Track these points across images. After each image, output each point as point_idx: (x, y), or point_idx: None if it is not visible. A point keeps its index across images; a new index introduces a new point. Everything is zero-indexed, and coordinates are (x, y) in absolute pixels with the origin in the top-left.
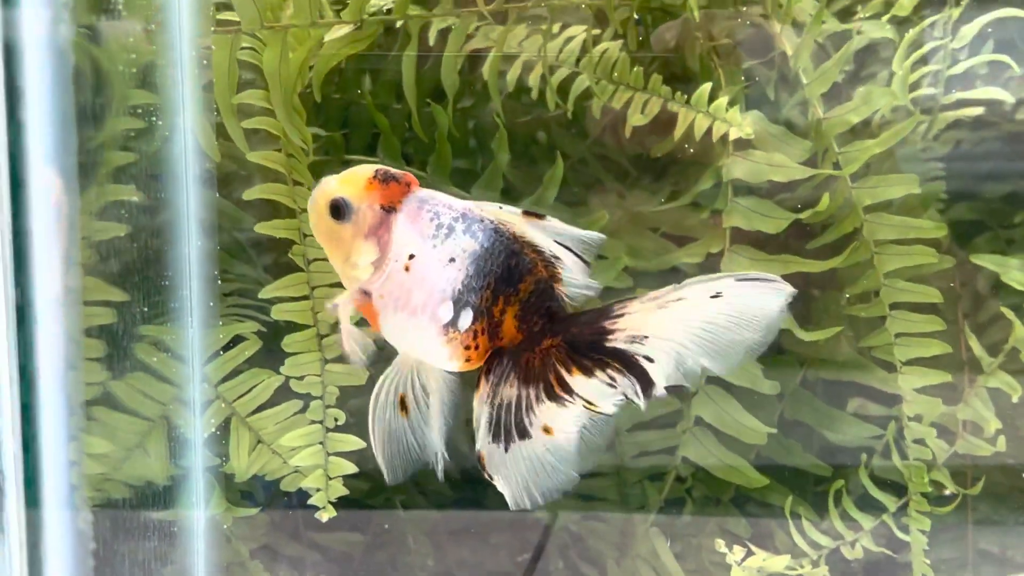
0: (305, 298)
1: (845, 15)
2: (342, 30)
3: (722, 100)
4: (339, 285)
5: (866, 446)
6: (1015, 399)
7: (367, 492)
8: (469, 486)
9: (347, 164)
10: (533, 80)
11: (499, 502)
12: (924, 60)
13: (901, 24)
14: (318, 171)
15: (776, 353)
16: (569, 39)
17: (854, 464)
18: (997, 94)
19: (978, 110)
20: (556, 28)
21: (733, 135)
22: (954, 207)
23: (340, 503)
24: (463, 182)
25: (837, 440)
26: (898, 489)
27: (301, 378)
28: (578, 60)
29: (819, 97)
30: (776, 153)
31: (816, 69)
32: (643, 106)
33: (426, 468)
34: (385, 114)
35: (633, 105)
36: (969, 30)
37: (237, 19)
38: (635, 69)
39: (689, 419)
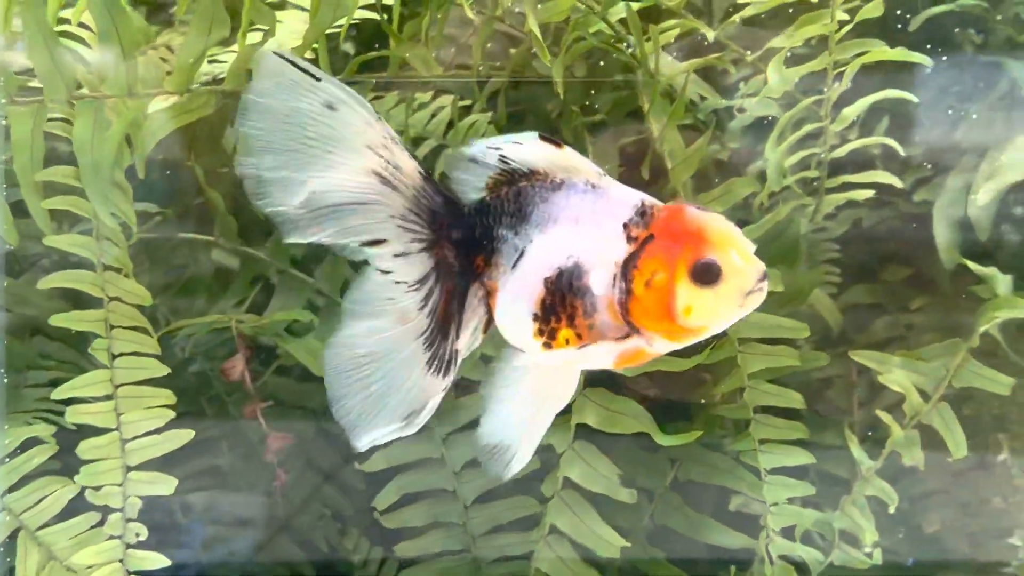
0: (108, 398)
1: (730, 91)
2: (168, 100)
3: None
4: (147, 383)
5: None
6: (892, 510)
7: None
8: None
9: (183, 242)
10: None
11: None
12: (815, 138)
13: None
14: (153, 252)
15: (648, 451)
16: (439, 109)
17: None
18: (884, 178)
19: (868, 192)
20: (428, 97)
21: None
22: (850, 290)
23: None
24: (309, 262)
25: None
26: None
27: (99, 488)
28: (446, 132)
29: (684, 183)
30: None
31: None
32: None
33: None
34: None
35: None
36: (851, 111)
37: None
38: None
39: (544, 526)
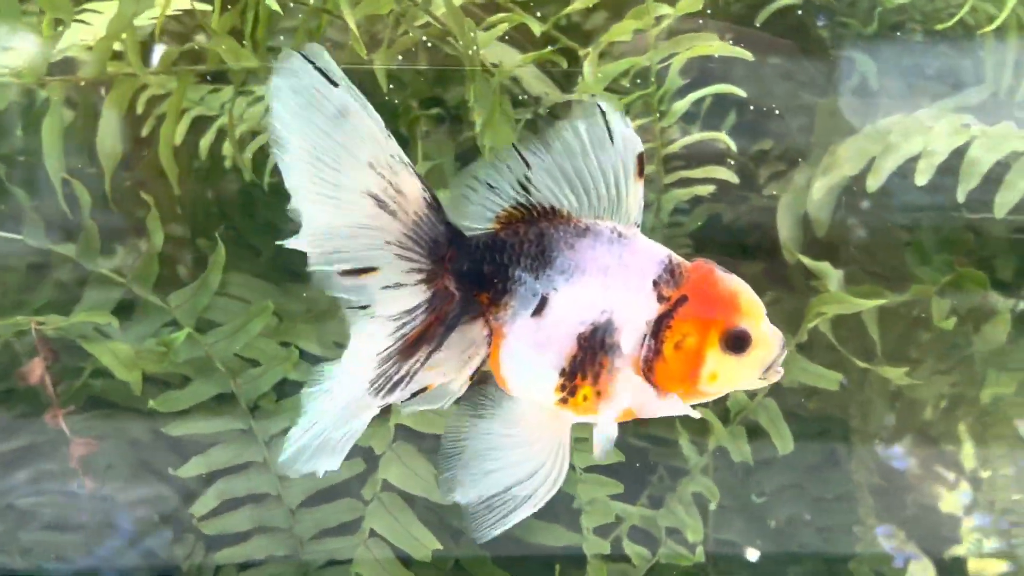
0: None
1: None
2: None
3: None
4: None
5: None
6: (712, 507)
7: None
8: None
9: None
10: (228, 148)
11: None
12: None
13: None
14: None
15: None
16: None
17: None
18: (721, 173)
19: (709, 187)
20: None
21: None
22: None
23: None
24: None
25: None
26: None
27: None
28: None
29: None
30: None
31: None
32: None
33: None
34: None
35: None
36: (681, 106)
37: None
38: None
39: (364, 530)
